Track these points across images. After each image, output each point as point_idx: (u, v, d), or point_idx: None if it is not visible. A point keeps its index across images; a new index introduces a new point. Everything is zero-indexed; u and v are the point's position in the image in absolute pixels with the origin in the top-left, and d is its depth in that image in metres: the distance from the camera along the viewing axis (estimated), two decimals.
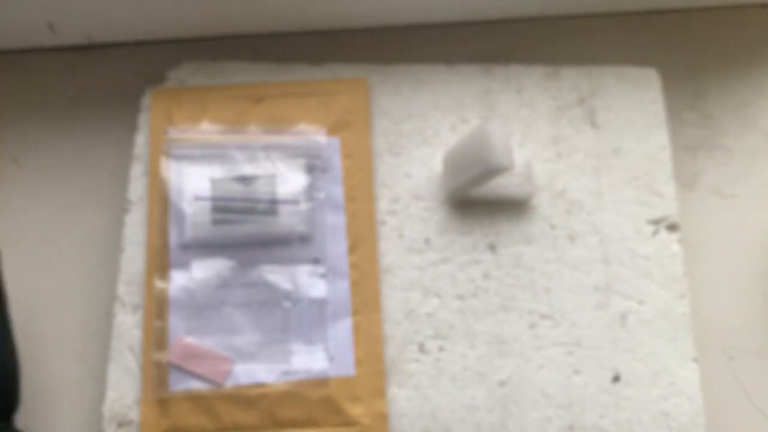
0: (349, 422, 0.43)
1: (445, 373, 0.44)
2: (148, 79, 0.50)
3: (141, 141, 0.48)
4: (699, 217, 0.49)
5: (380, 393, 0.43)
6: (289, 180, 0.46)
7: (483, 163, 0.42)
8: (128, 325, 0.44)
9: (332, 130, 0.48)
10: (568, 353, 0.44)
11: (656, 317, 0.45)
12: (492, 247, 0.46)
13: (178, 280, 0.45)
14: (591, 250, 0.46)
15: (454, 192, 0.46)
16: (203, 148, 0.47)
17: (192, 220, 0.45)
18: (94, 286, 0.47)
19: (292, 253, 0.45)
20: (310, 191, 0.46)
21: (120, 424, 0.43)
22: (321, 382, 0.43)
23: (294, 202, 0.46)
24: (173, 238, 0.45)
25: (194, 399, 0.43)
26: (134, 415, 0.43)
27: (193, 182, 0.46)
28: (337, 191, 0.47)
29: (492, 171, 0.42)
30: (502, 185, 0.46)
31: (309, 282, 0.45)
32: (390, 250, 0.46)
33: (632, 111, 0.49)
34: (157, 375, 0.43)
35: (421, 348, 0.45)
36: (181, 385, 0.43)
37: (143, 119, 0.48)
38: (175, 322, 0.44)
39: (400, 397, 0.44)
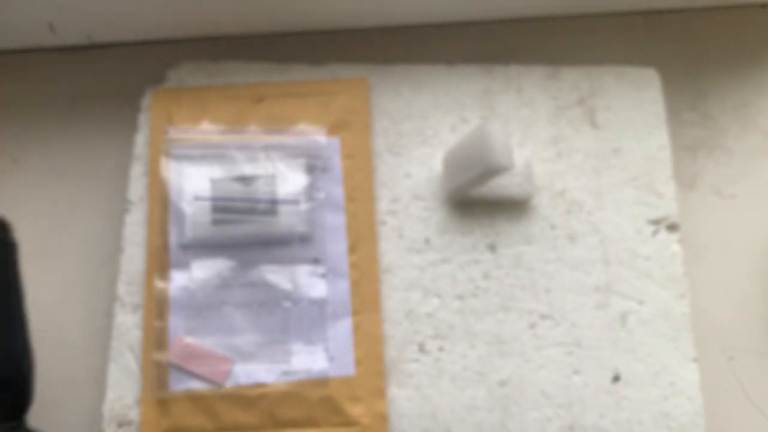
0: (349, 422, 0.43)
1: (445, 373, 0.44)
2: (148, 79, 0.50)
3: (141, 141, 0.48)
4: (699, 217, 0.49)
5: (380, 393, 0.43)
6: (289, 180, 0.46)
7: (483, 163, 0.42)
8: (128, 325, 0.44)
9: (332, 130, 0.48)
10: (568, 353, 0.44)
11: (656, 317, 0.45)
12: (492, 247, 0.46)
13: (178, 280, 0.45)
14: (591, 250, 0.46)
15: (454, 192, 0.46)
16: (203, 148, 0.47)
17: (192, 220, 0.45)
18: (94, 286, 0.47)
19: (292, 253, 0.45)
20: (310, 191, 0.46)
21: (120, 424, 0.43)
22: (321, 382, 0.43)
23: (294, 202, 0.46)
24: (173, 238, 0.45)
25: (194, 399, 0.43)
26: (134, 415, 0.43)
27: (193, 182, 0.46)
28: (337, 191, 0.47)
29: (492, 171, 0.42)
30: (502, 185, 0.46)
31: (309, 282, 0.45)
32: (390, 250, 0.46)
33: (632, 111, 0.49)
34: (157, 375, 0.43)
35: (421, 348, 0.45)
36: (181, 385, 0.43)
37: (143, 119, 0.48)
38: (175, 322, 0.44)
39: (400, 397, 0.44)
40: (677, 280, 0.46)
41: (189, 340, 0.44)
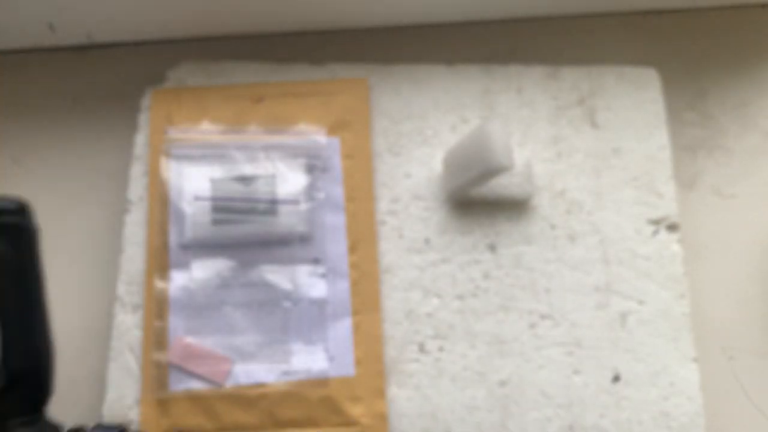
0: (349, 422, 0.43)
1: (445, 373, 0.44)
2: (148, 79, 0.50)
3: (141, 141, 0.48)
4: (699, 217, 0.49)
5: (380, 393, 0.43)
6: (289, 180, 0.46)
7: (483, 163, 0.42)
8: (128, 325, 0.44)
9: (332, 130, 0.48)
10: (568, 353, 0.44)
11: (656, 317, 0.45)
12: (492, 247, 0.46)
13: (178, 280, 0.45)
14: (591, 250, 0.46)
15: (454, 192, 0.46)
16: (203, 148, 0.47)
17: (192, 220, 0.45)
18: (94, 286, 0.47)
19: (292, 253, 0.45)
20: (310, 191, 0.46)
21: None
22: (321, 382, 0.43)
23: (294, 202, 0.46)
24: (173, 238, 0.45)
25: (194, 399, 0.43)
26: (134, 415, 0.43)
27: (193, 182, 0.46)
28: (337, 191, 0.47)
29: (492, 171, 0.42)
30: (502, 185, 0.46)
31: (309, 282, 0.45)
32: (390, 250, 0.46)
33: (632, 111, 0.49)
34: (157, 375, 0.43)
35: (421, 348, 0.45)
36: (181, 385, 0.43)
37: (143, 119, 0.48)
38: (175, 322, 0.44)
39: (400, 397, 0.44)
40: (677, 280, 0.46)
41: (189, 340, 0.44)
